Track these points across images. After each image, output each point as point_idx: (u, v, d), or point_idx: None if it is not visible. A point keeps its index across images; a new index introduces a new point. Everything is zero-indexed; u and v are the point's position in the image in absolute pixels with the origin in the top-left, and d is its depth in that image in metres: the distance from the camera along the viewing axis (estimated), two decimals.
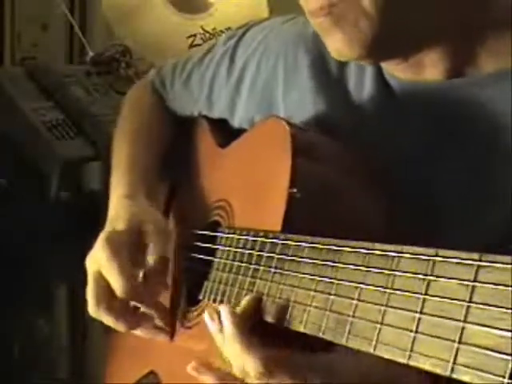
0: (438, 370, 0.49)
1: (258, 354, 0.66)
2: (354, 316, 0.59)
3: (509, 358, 0.44)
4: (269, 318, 0.70)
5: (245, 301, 0.72)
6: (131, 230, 0.91)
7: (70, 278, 1.71)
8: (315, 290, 0.64)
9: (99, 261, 0.88)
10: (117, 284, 0.86)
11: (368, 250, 0.59)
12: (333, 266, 0.63)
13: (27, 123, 1.57)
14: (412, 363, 0.51)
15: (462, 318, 0.48)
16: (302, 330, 0.65)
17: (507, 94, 0.74)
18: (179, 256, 0.99)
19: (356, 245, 0.61)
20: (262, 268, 0.74)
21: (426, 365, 0.50)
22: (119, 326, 0.89)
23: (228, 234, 0.84)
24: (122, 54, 1.80)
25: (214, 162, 1.00)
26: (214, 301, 0.82)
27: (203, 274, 0.87)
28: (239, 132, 0.95)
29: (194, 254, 0.94)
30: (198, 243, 0.93)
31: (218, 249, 0.86)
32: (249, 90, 0.98)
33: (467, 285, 0.49)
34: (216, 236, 0.87)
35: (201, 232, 0.94)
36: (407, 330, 0.53)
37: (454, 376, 0.47)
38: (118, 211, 0.95)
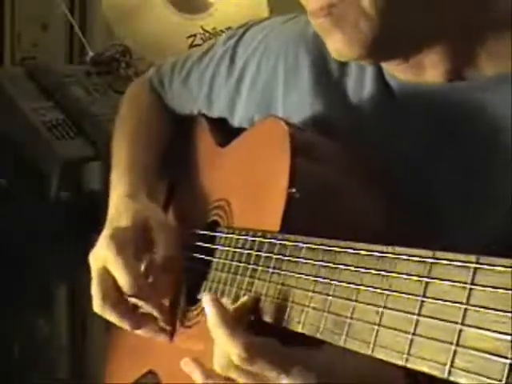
0: (435, 373, 0.49)
1: (241, 339, 0.66)
2: (351, 317, 0.59)
3: (506, 361, 0.44)
4: (267, 318, 0.70)
5: (241, 300, 0.72)
6: (136, 226, 0.91)
7: (70, 278, 1.72)
8: (313, 291, 0.64)
9: (104, 257, 0.88)
10: (123, 280, 0.86)
11: (366, 251, 0.59)
12: (331, 267, 0.63)
13: (27, 123, 1.57)
14: (409, 365, 0.51)
15: (460, 321, 0.48)
16: (300, 330, 0.65)
17: (507, 97, 0.74)
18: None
19: (354, 246, 0.61)
20: (260, 268, 0.74)
21: (424, 367, 0.50)
22: (123, 324, 0.89)
23: (227, 233, 0.84)
24: (122, 54, 1.80)
25: (213, 161, 1.00)
26: None
27: (202, 274, 0.87)
28: (239, 131, 0.95)
29: (193, 254, 0.94)
30: (197, 243, 0.93)
31: (216, 249, 0.86)
32: (249, 89, 0.98)
33: (464, 287, 0.49)
34: (215, 236, 0.87)
35: (200, 232, 0.94)
36: (405, 331, 0.53)
37: (451, 379, 0.47)
38: (119, 209, 0.95)
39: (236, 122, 1.00)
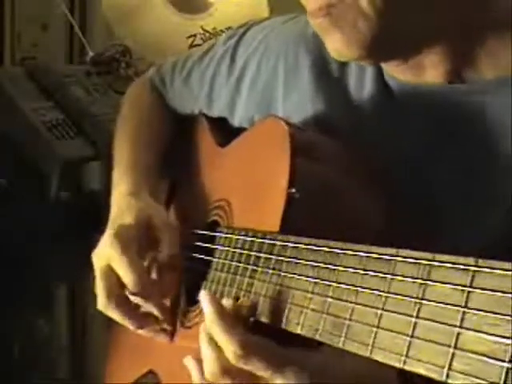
0: (433, 375, 0.48)
1: (238, 336, 0.66)
2: (350, 319, 0.59)
3: (504, 364, 0.44)
4: (266, 319, 0.70)
5: (240, 301, 0.72)
6: (139, 224, 0.91)
7: (70, 278, 1.72)
8: (312, 292, 0.64)
9: (108, 256, 0.88)
10: (128, 278, 0.86)
11: (365, 253, 0.59)
12: (330, 269, 0.63)
13: (27, 123, 1.57)
14: (407, 368, 0.51)
15: (458, 324, 0.48)
16: (298, 331, 0.65)
17: (507, 100, 0.74)
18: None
19: (354, 247, 0.61)
20: (259, 269, 0.73)
21: (422, 369, 0.50)
22: (127, 322, 0.89)
23: (227, 234, 0.84)
24: (122, 54, 1.80)
25: (213, 161, 1.00)
26: None
27: (202, 274, 0.87)
28: (239, 131, 0.95)
29: (193, 254, 0.94)
30: (197, 243, 0.93)
31: (216, 249, 0.86)
32: (249, 89, 0.98)
33: (463, 290, 0.49)
34: (215, 236, 0.87)
35: (200, 232, 0.94)
36: (403, 334, 0.52)
37: (449, 381, 0.47)
38: (121, 208, 0.95)
39: (236, 121, 1.00)
